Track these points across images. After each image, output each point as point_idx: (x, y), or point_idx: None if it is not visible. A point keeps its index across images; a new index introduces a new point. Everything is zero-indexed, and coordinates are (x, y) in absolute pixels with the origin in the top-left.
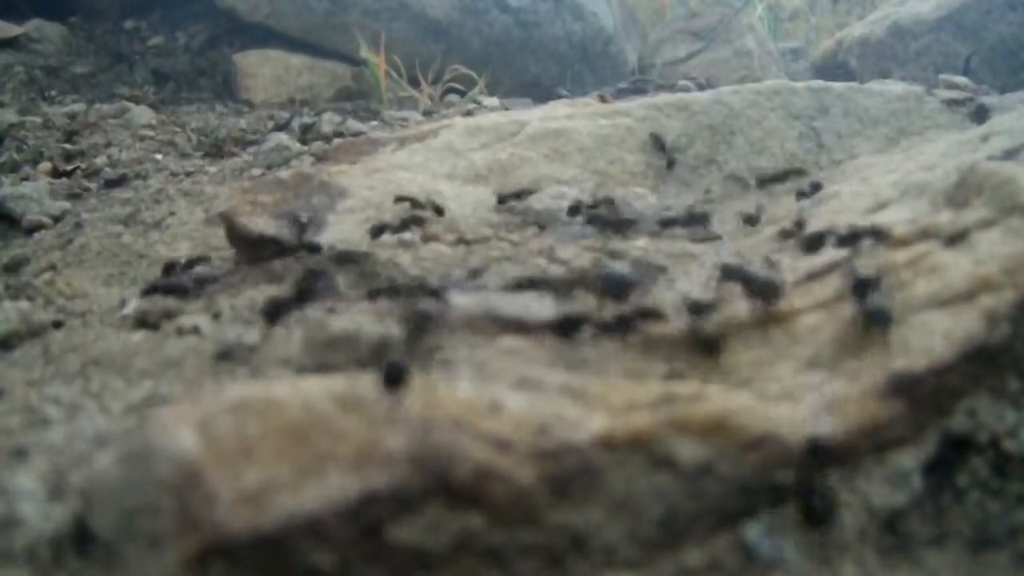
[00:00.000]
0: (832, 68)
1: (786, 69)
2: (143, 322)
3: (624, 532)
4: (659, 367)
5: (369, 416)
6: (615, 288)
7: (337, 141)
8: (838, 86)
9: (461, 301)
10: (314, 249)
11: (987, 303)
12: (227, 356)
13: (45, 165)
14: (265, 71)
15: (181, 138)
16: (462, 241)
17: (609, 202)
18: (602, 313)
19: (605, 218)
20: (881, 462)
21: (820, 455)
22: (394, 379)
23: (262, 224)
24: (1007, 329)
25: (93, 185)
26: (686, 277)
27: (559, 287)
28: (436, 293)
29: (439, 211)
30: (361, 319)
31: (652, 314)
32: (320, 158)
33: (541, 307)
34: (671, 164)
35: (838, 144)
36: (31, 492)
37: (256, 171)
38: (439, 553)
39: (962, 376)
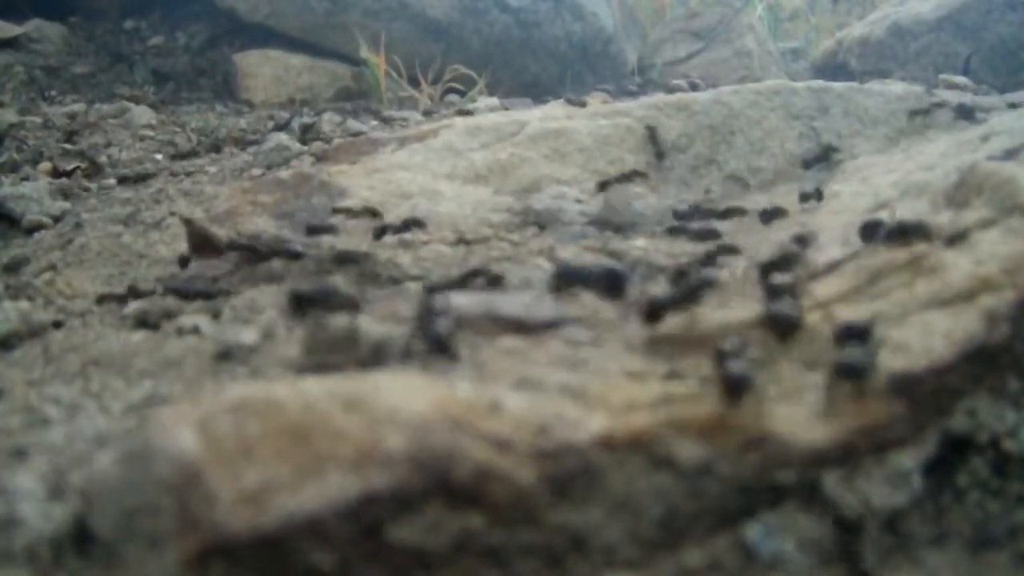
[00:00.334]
0: (832, 68)
1: (786, 69)
2: (143, 322)
3: (624, 532)
4: (659, 367)
5: (369, 416)
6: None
7: (337, 141)
8: (838, 86)
9: (461, 301)
10: (294, 255)
11: (987, 303)
12: (227, 356)
13: (45, 165)
14: (265, 71)
15: (181, 138)
16: (462, 241)
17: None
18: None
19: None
20: (881, 462)
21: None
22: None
23: (261, 224)
24: (1007, 329)
25: (93, 185)
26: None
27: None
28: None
29: (375, 214)
30: (361, 319)
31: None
32: (320, 158)
33: (541, 307)
34: (660, 156)
35: (838, 144)
36: (31, 492)
37: (256, 171)
38: (439, 553)
39: (962, 376)
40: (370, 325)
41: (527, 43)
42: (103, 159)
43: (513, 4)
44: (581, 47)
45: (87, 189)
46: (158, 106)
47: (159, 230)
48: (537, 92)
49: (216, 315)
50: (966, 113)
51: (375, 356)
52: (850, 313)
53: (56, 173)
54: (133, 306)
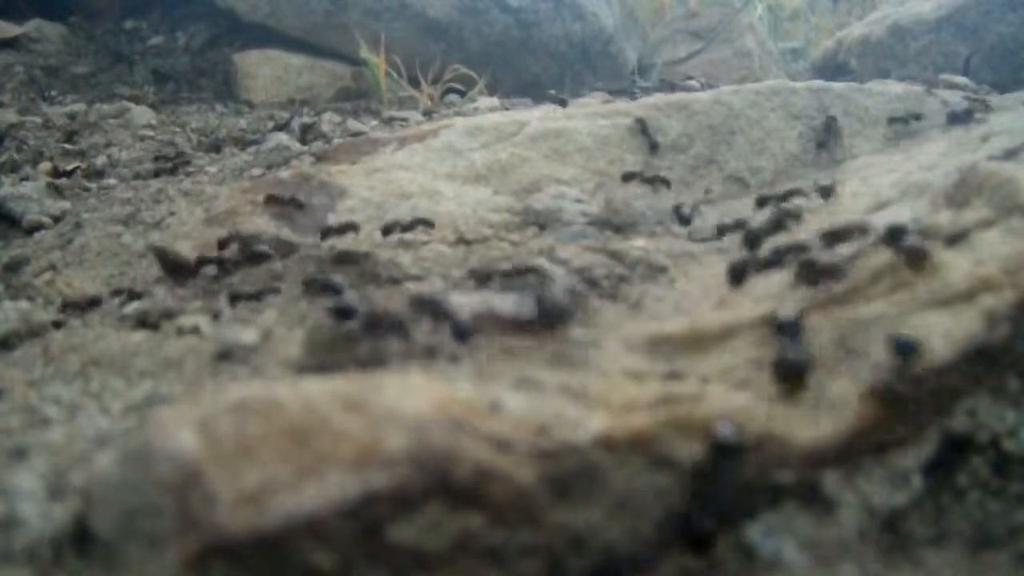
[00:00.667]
0: (832, 68)
1: (786, 69)
2: (143, 322)
3: (624, 532)
4: (659, 367)
5: (369, 416)
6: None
7: (337, 141)
8: (838, 86)
9: (461, 301)
10: (257, 257)
11: (987, 303)
12: (227, 356)
13: (45, 165)
14: (265, 71)
15: (181, 138)
16: (462, 241)
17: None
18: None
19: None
20: (881, 462)
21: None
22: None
23: (261, 224)
24: (1007, 329)
25: (93, 185)
26: (685, 278)
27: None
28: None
29: (355, 228)
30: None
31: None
32: (320, 158)
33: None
34: (654, 147)
35: (838, 144)
36: (31, 492)
37: (256, 171)
38: (439, 553)
39: (962, 376)
40: None
41: (527, 43)
42: (103, 159)
43: (513, 4)
44: (581, 47)
45: (87, 189)
46: (158, 106)
47: (159, 230)
48: (537, 92)
49: (216, 315)
50: (959, 118)
51: (375, 356)
52: (849, 313)
53: (56, 173)
54: (132, 306)
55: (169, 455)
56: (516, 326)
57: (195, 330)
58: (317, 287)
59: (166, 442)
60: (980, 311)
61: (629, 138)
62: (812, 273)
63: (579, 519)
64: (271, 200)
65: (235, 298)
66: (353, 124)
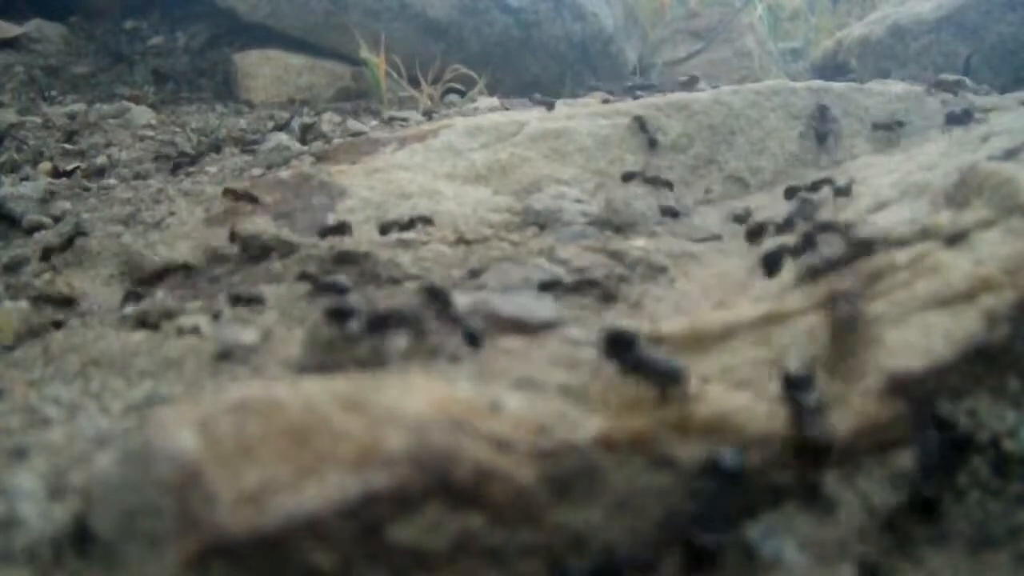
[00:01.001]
0: (832, 68)
1: (786, 69)
2: (143, 322)
3: (624, 532)
4: None
5: (369, 416)
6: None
7: (337, 141)
8: (838, 86)
9: (461, 301)
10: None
11: (987, 303)
12: (227, 356)
13: (45, 165)
14: (265, 71)
15: (181, 138)
16: (462, 241)
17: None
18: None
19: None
20: (881, 462)
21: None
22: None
23: (261, 224)
24: (1007, 329)
25: (93, 185)
26: (685, 278)
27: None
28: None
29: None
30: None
31: None
32: (320, 158)
33: (541, 307)
34: (653, 143)
35: (838, 144)
36: (31, 492)
37: (256, 171)
38: (439, 553)
39: (962, 376)
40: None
41: (527, 43)
42: (103, 159)
43: (513, 4)
44: (581, 47)
45: (87, 189)
46: (158, 106)
47: (159, 230)
48: (537, 92)
49: (216, 315)
50: (959, 119)
51: (375, 356)
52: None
53: (56, 173)
54: (132, 306)
55: (169, 455)
56: (516, 326)
57: (195, 330)
58: (320, 288)
59: (166, 442)
60: (980, 311)
61: (629, 138)
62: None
63: (579, 519)
64: (227, 193)
65: (235, 300)
66: (353, 124)
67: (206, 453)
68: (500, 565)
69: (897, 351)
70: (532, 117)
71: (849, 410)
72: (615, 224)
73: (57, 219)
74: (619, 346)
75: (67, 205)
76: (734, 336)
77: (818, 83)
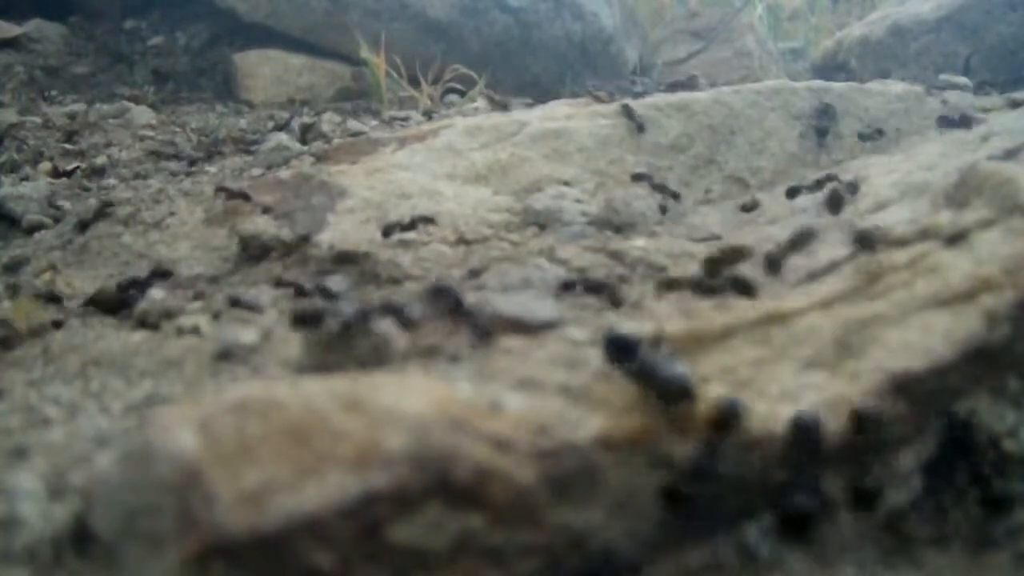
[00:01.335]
0: (832, 68)
1: (786, 69)
2: (143, 322)
3: (624, 532)
4: None
5: (369, 416)
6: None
7: (337, 141)
8: (838, 86)
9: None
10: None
11: (987, 303)
12: (227, 356)
13: (45, 165)
14: (265, 71)
15: (181, 138)
16: (462, 241)
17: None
18: None
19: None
20: (881, 462)
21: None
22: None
23: (261, 224)
24: (1007, 329)
25: (93, 185)
26: None
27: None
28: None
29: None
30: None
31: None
32: (320, 158)
33: (541, 307)
34: (641, 128)
35: (838, 144)
36: (31, 492)
37: (256, 171)
38: (439, 553)
39: (962, 376)
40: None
41: (527, 43)
42: (103, 159)
43: (513, 4)
44: (581, 47)
45: (87, 189)
46: (158, 106)
47: (159, 230)
48: (537, 92)
49: (216, 315)
50: (954, 123)
51: (375, 356)
52: (849, 312)
53: (56, 173)
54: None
55: (169, 455)
56: (516, 326)
57: (195, 330)
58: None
59: (166, 442)
60: (980, 311)
61: (629, 138)
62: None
63: (579, 519)
64: (221, 191)
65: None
66: (353, 124)
67: (206, 453)
68: (500, 565)
69: (897, 351)
70: (533, 117)
71: (849, 410)
72: (615, 224)
73: (57, 219)
74: (622, 352)
75: (67, 205)
76: (734, 336)
77: (818, 83)
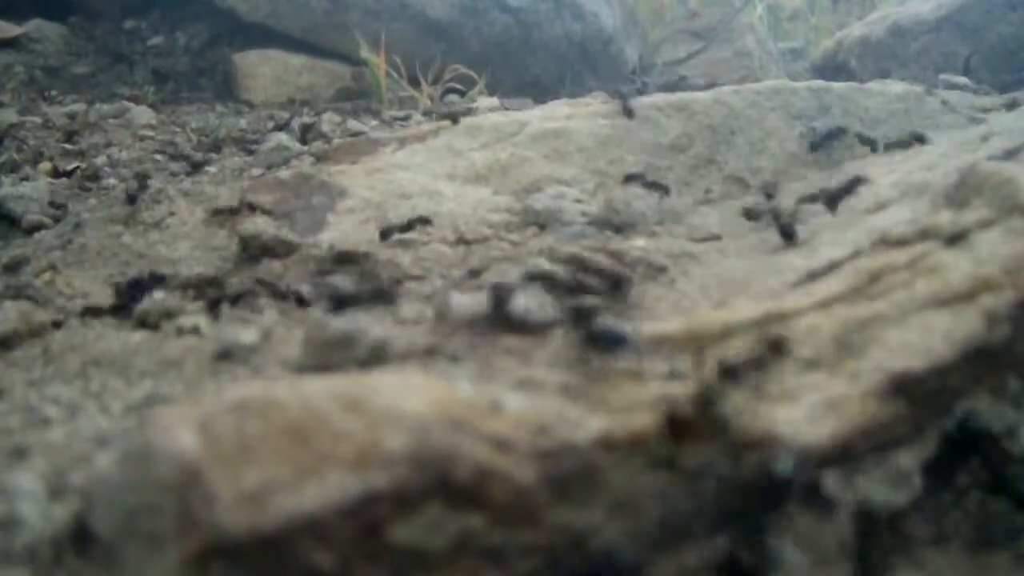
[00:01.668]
0: (832, 68)
1: (786, 69)
2: (143, 322)
3: (624, 532)
4: (659, 367)
5: (369, 416)
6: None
7: (337, 141)
8: (838, 86)
9: (461, 301)
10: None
11: (987, 303)
12: (227, 356)
13: (45, 165)
14: (265, 71)
15: (181, 138)
16: (462, 241)
17: None
18: None
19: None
20: (881, 462)
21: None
22: None
23: (261, 224)
24: (1007, 329)
25: (93, 185)
26: (685, 278)
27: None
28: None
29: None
30: (361, 319)
31: None
32: (320, 158)
33: (541, 307)
34: (629, 113)
35: (838, 144)
36: (31, 492)
37: (256, 171)
38: (439, 553)
39: (962, 376)
40: (370, 325)
41: (527, 43)
42: (103, 159)
43: (513, 4)
44: (581, 47)
45: (87, 189)
46: (158, 106)
47: (159, 230)
48: (537, 92)
49: (216, 315)
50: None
51: (375, 356)
52: (849, 312)
53: (56, 173)
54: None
55: (169, 455)
56: (516, 326)
57: (195, 330)
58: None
59: (166, 442)
60: (980, 311)
61: (629, 138)
62: None
63: (579, 519)
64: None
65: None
66: (353, 124)
67: (206, 453)
68: (500, 565)
69: (897, 351)
70: (533, 117)
71: (849, 410)
72: (615, 224)
73: (57, 219)
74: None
75: (67, 205)
76: (734, 336)
77: (818, 83)
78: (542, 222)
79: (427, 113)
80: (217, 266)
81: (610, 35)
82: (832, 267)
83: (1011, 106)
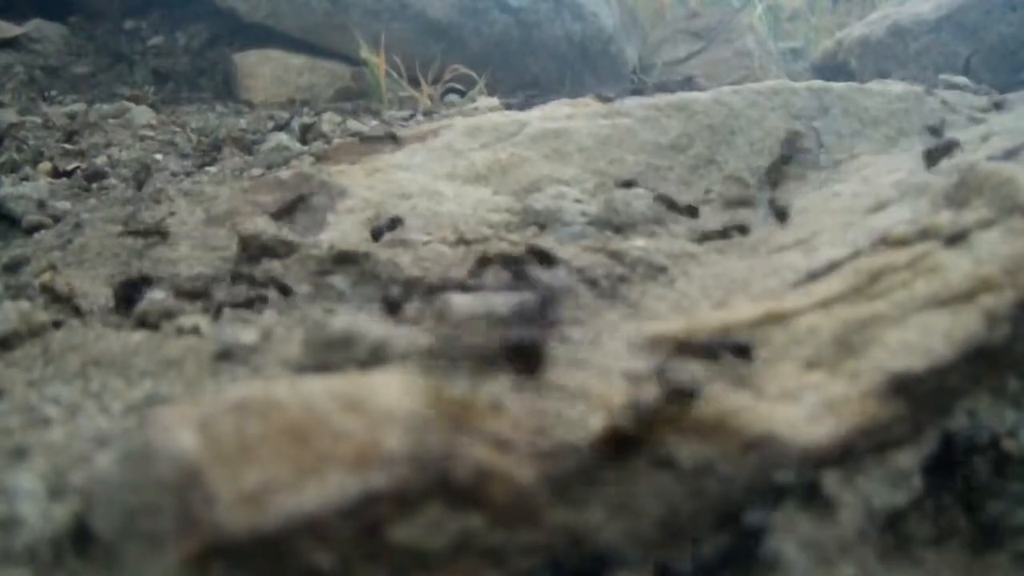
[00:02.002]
0: (832, 68)
1: (786, 69)
2: (143, 322)
3: (624, 532)
4: (659, 367)
5: (369, 416)
6: None
7: (337, 141)
8: (838, 86)
9: (461, 301)
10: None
11: (987, 303)
12: (227, 356)
13: (45, 165)
14: (265, 71)
15: (181, 138)
16: (462, 241)
17: None
18: None
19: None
20: (881, 462)
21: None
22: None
23: (261, 224)
24: (1007, 329)
25: (94, 185)
26: (685, 278)
27: None
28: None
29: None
30: (361, 319)
31: None
32: (320, 158)
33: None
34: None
35: (838, 144)
36: (31, 492)
37: (256, 171)
38: (439, 553)
39: (962, 376)
40: (370, 325)
41: (527, 43)
42: (103, 159)
43: (513, 4)
44: (581, 47)
45: (87, 189)
46: (158, 106)
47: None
48: (537, 92)
49: (216, 315)
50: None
51: (375, 356)
52: (849, 312)
53: (56, 173)
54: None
55: (169, 455)
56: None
57: (195, 330)
58: None
59: (166, 442)
60: (980, 311)
61: (629, 138)
62: None
63: (579, 519)
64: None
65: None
66: (353, 124)
67: (206, 453)
68: (500, 565)
69: (897, 351)
70: (532, 117)
71: (849, 410)
72: (615, 224)
73: (57, 219)
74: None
75: (67, 205)
76: (734, 336)
77: (818, 83)
78: (542, 222)
79: (427, 113)
80: (217, 266)
81: (610, 35)
82: (832, 267)
83: (999, 106)
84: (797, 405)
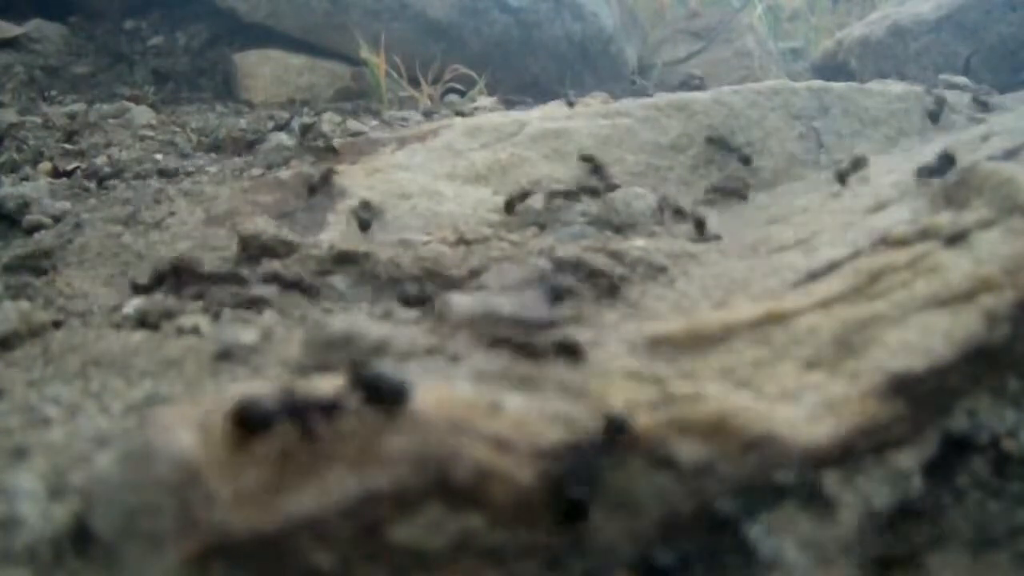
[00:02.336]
0: (832, 68)
1: (786, 69)
2: (143, 322)
3: (624, 532)
4: (659, 367)
5: (369, 416)
6: None
7: (337, 141)
8: (838, 86)
9: (461, 301)
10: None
11: (987, 303)
12: (227, 356)
13: (45, 165)
14: (265, 71)
15: (181, 138)
16: (462, 241)
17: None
18: None
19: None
20: (881, 462)
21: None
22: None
23: (261, 224)
24: (1007, 329)
25: (93, 185)
26: (685, 278)
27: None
28: None
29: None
30: (361, 319)
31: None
32: (320, 158)
33: (540, 307)
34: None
35: (838, 144)
36: (31, 492)
37: (256, 171)
38: (439, 553)
39: (962, 376)
40: (370, 325)
41: (527, 43)
42: (103, 159)
43: (513, 4)
44: (581, 47)
45: (87, 189)
46: (158, 106)
47: (159, 230)
48: (537, 92)
49: (216, 315)
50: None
51: (375, 356)
52: (849, 312)
53: (56, 173)
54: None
55: (169, 455)
56: (516, 326)
57: (195, 330)
58: None
59: (166, 442)
60: (980, 311)
61: (629, 138)
62: None
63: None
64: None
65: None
66: (353, 124)
67: (206, 453)
68: (500, 565)
69: (897, 351)
70: (533, 117)
71: (849, 410)
72: (615, 224)
73: (57, 219)
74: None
75: (67, 205)
76: (734, 336)
77: (818, 83)
78: (542, 222)
79: (427, 113)
80: (217, 266)
81: (610, 35)
82: (832, 267)
83: (984, 105)
84: (797, 405)
